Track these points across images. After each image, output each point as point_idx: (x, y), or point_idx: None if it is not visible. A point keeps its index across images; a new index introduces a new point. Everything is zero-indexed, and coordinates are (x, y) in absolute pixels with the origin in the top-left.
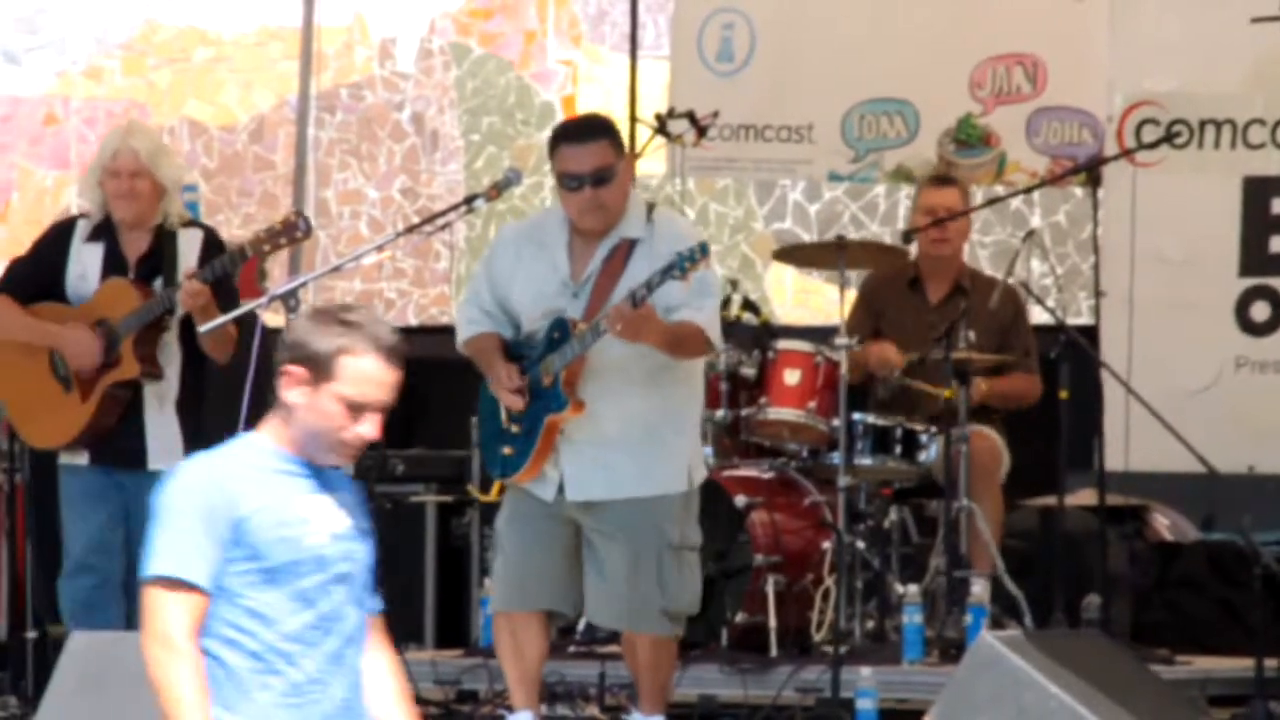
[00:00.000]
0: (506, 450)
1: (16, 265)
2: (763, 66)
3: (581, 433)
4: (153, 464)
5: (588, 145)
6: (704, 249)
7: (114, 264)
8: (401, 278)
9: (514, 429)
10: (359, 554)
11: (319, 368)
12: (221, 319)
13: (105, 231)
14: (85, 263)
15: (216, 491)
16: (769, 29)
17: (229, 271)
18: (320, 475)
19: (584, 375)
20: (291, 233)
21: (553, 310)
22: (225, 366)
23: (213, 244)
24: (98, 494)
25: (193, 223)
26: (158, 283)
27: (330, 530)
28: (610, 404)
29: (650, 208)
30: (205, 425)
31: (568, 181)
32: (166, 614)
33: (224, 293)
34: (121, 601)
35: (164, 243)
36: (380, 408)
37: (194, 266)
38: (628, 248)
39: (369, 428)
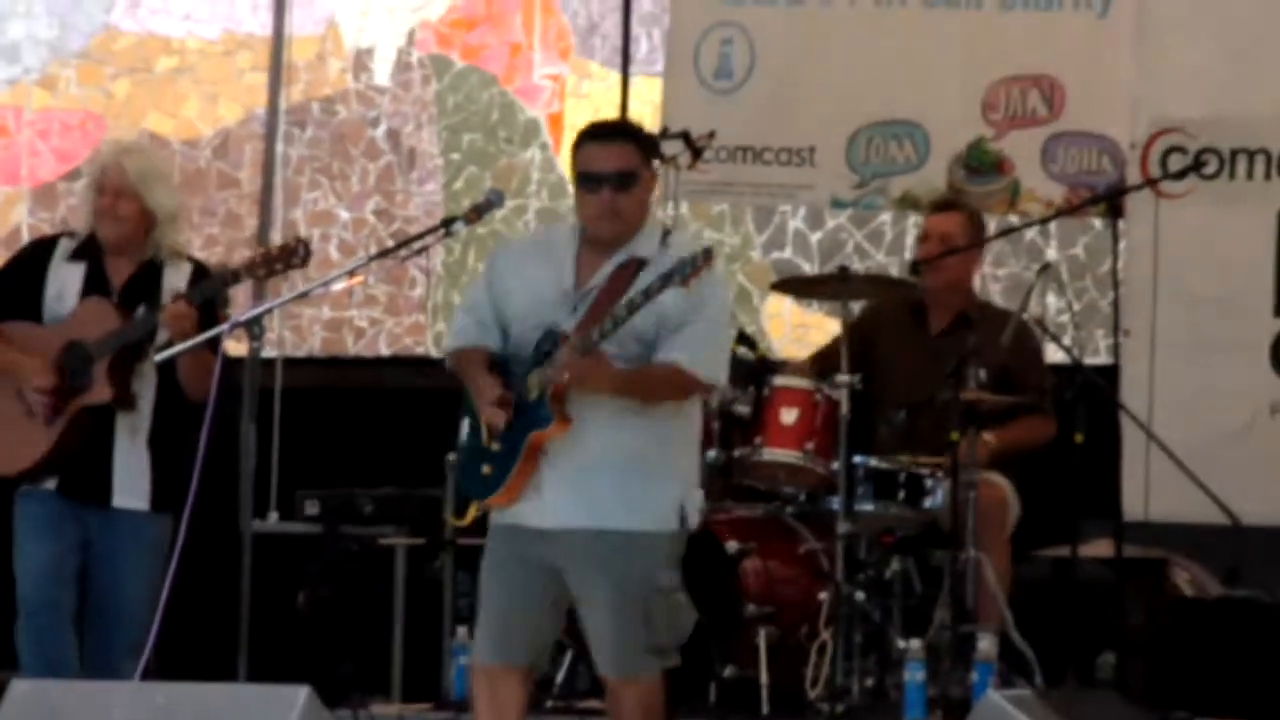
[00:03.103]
0: (486, 469)
1: None
2: (763, 85)
3: (564, 456)
4: (117, 501)
5: (612, 145)
6: (708, 254)
7: (96, 286)
8: (374, 305)
9: (495, 447)
10: None
11: None
12: (182, 345)
13: (89, 252)
14: (64, 282)
15: None
16: (770, 45)
17: (217, 295)
18: None
19: (575, 393)
20: (289, 259)
21: (547, 322)
22: (184, 397)
23: (201, 277)
24: (56, 524)
25: (183, 255)
26: (140, 309)
27: None
28: (598, 428)
29: (666, 232)
30: (181, 471)
31: (586, 182)
32: None
33: (208, 320)
34: (73, 637)
35: (148, 272)
36: None
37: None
38: (636, 267)
39: None
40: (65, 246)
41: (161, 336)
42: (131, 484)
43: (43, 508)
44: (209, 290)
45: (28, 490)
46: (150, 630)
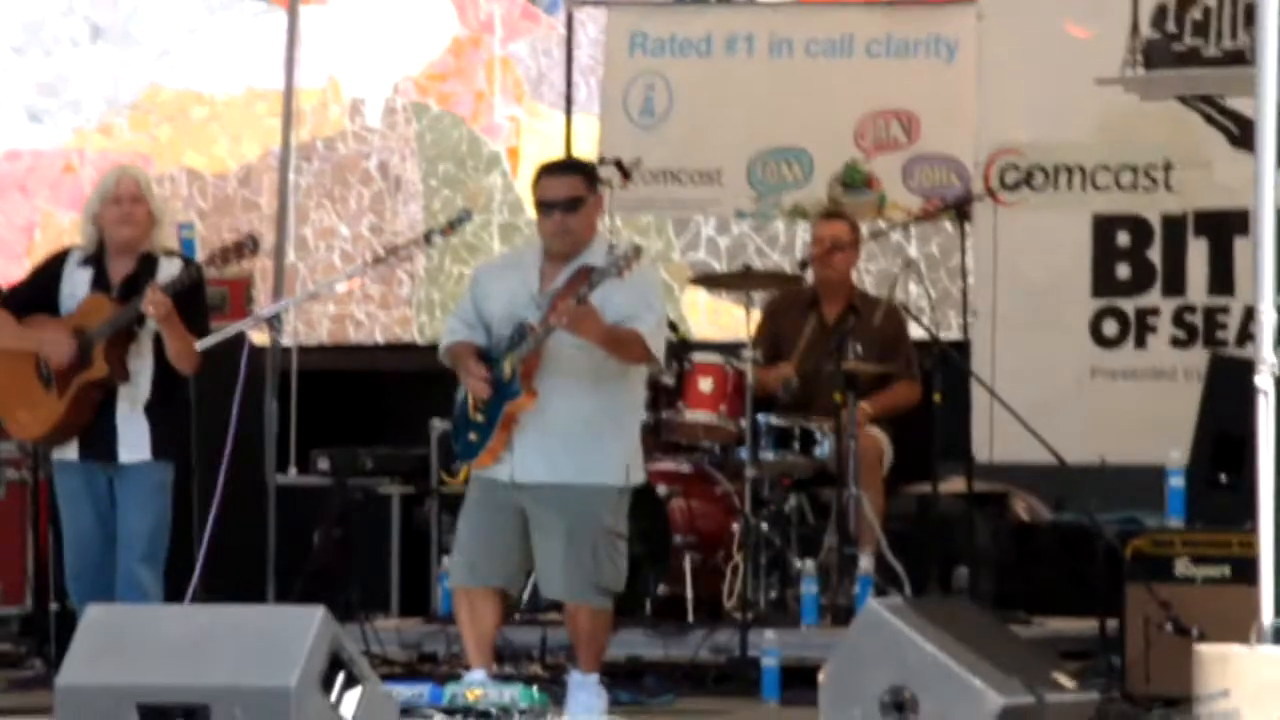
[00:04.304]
0: (472, 437)
1: (15, 286)
2: (679, 120)
3: (532, 422)
4: (123, 458)
5: (563, 178)
6: (637, 250)
7: (100, 284)
8: (369, 302)
9: (479, 418)
10: None
11: None
12: (213, 338)
13: (95, 259)
14: (76, 284)
15: None
16: (685, 88)
17: (190, 284)
18: None
19: (540, 372)
20: (241, 250)
21: (518, 318)
22: (217, 380)
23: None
24: (84, 488)
25: (175, 253)
26: (133, 300)
27: None
28: (559, 399)
29: (612, 246)
30: (176, 426)
31: (543, 208)
32: None
33: (188, 306)
34: (112, 583)
35: (145, 266)
36: None
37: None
38: (587, 273)
39: None
40: (77, 255)
41: (150, 323)
42: (134, 443)
43: (74, 478)
44: (179, 282)
45: (59, 460)
46: (160, 549)
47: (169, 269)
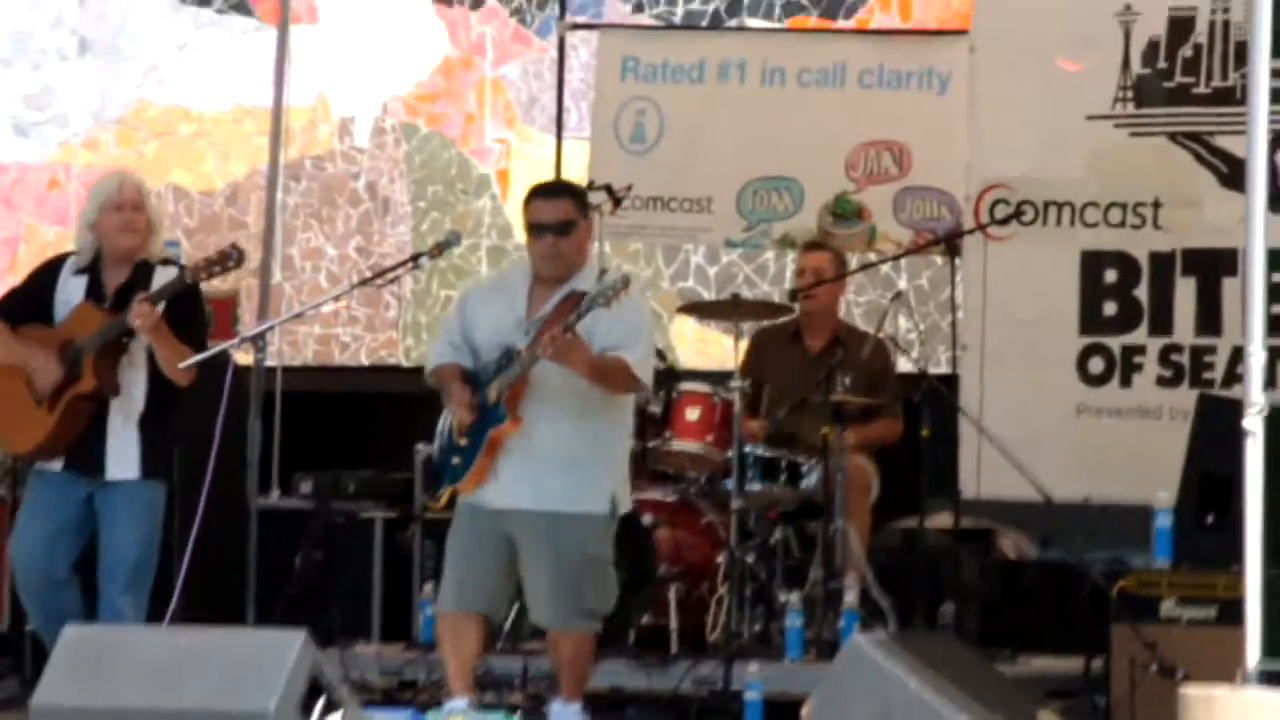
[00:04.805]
0: (456, 461)
1: (10, 293)
2: (670, 147)
3: (517, 448)
4: (110, 474)
5: (554, 201)
6: (625, 280)
7: (94, 293)
8: (355, 324)
9: (463, 442)
10: None
11: None
12: (198, 357)
13: (91, 267)
14: (70, 292)
15: None
16: (676, 115)
17: (182, 291)
18: None
19: (526, 399)
20: (225, 261)
21: (506, 343)
22: (200, 400)
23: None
24: (55, 498)
25: (171, 261)
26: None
27: None
28: (545, 426)
29: (603, 271)
30: (168, 443)
31: (534, 230)
32: None
33: (181, 315)
34: (72, 591)
35: (140, 275)
36: None
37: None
38: (576, 299)
39: None
40: (71, 263)
41: (142, 336)
42: (122, 459)
43: (49, 488)
44: (166, 291)
45: (39, 469)
46: (146, 577)
47: (164, 278)
